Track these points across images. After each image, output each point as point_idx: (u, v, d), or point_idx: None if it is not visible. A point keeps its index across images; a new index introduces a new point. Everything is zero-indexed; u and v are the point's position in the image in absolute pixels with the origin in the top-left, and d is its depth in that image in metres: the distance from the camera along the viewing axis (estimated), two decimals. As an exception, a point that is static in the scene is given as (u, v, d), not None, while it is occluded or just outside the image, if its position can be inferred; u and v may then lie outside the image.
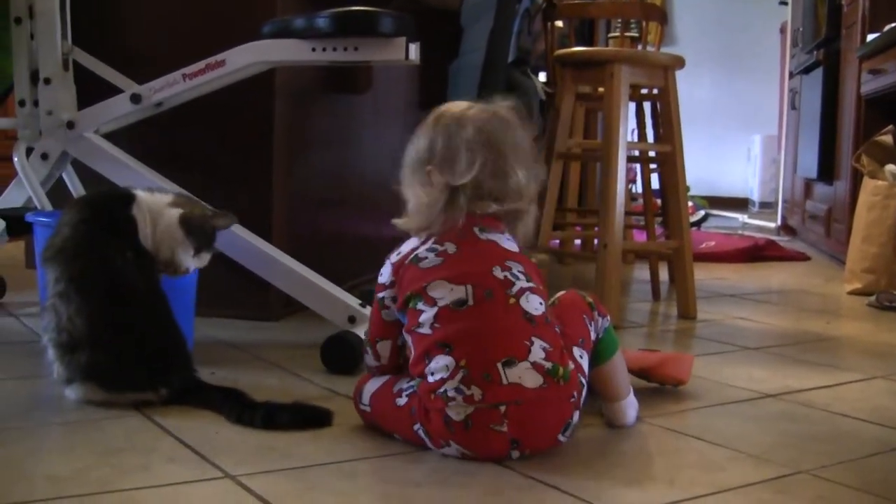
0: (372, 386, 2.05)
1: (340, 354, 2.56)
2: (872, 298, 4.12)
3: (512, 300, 1.89)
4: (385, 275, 2.03)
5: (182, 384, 2.19)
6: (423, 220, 2.00)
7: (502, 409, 1.81)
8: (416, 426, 1.90)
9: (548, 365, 1.84)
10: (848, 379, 2.72)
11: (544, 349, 1.86)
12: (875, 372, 2.81)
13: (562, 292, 2.10)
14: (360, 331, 2.62)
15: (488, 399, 1.81)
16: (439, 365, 1.85)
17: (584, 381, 1.93)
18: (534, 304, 1.90)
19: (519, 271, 1.93)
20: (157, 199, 2.35)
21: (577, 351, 1.95)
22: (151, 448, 1.89)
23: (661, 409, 2.31)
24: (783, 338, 3.37)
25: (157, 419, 2.07)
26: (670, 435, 2.12)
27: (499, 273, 1.91)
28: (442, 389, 1.84)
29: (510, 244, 1.99)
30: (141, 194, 2.35)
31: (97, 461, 1.80)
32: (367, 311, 2.78)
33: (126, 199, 2.34)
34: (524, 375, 1.82)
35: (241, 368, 2.59)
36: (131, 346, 2.15)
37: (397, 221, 2.05)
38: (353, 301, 2.83)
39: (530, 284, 1.93)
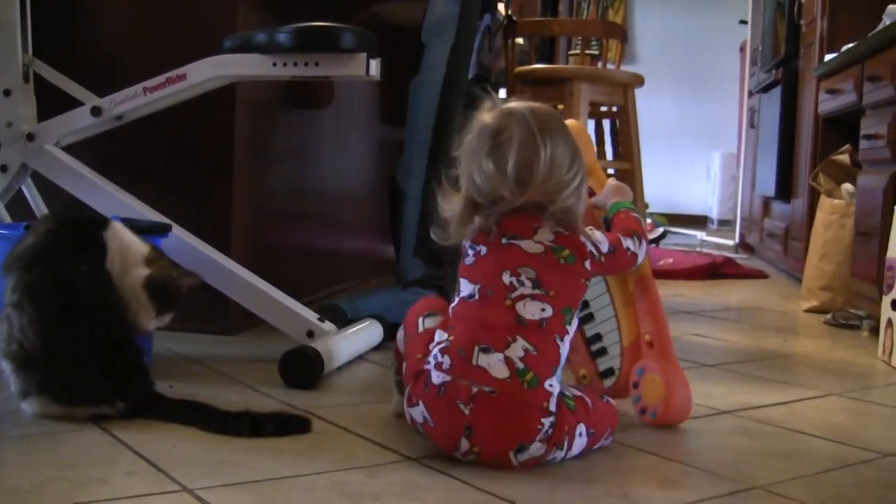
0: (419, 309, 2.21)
1: (298, 369, 2.56)
2: (829, 316, 4.15)
3: (508, 302, 1.99)
4: None
5: (140, 397, 2.18)
6: (449, 232, 2.12)
7: (474, 389, 1.91)
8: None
9: (519, 365, 1.92)
10: (803, 396, 2.74)
11: (525, 350, 1.94)
12: (830, 389, 2.84)
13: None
14: (319, 345, 2.63)
15: (455, 371, 1.94)
16: (442, 336, 2.02)
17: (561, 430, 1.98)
18: (530, 310, 1.99)
19: (528, 277, 2.01)
20: (133, 242, 2.35)
21: (578, 429, 2.01)
22: (110, 461, 1.89)
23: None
24: (740, 355, 3.39)
25: (115, 433, 2.06)
26: (626, 450, 2.13)
27: (506, 278, 2.01)
28: (432, 354, 2.00)
29: (534, 246, 2.04)
30: (118, 225, 2.35)
31: (56, 474, 1.79)
32: (326, 325, 2.80)
33: (102, 223, 2.33)
34: (494, 364, 1.92)
35: (200, 382, 2.58)
36: (85, 358, 2.13)
37: (435, 236, 2.16)
38: (312, 316, 2.84)
39: (535, 291, 2.00)
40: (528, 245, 2.04)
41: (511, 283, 2.01)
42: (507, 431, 1.91)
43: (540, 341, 1.97)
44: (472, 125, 2.09)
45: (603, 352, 2.47)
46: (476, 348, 1.94)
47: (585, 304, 2.49)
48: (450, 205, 2.11)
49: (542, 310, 1.99)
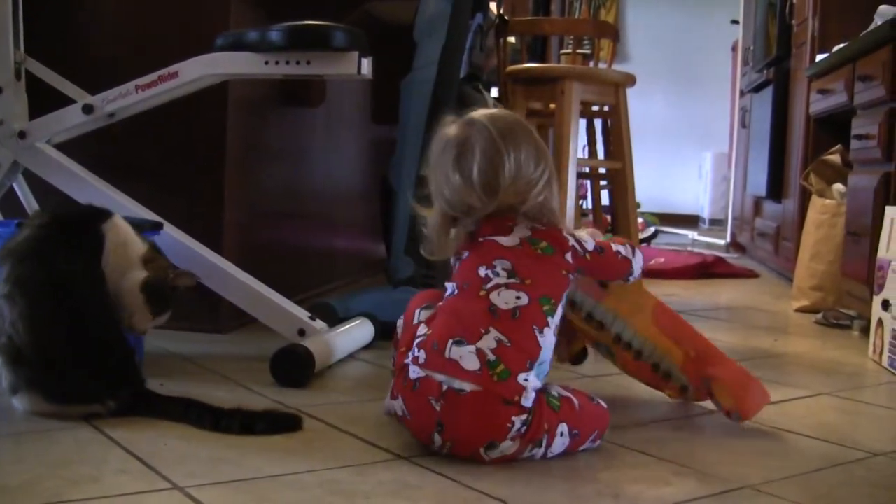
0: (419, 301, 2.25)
1: (289, 367, 2.56)
2: (820, 316, 4.16)
3: (482, 293, 2.02)
4: None
5: (131, 395, 2.18)
6: (431, 246, 2.19)
7: (444, 387, 1.93)
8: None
9: (490, 357, 1.94)
10: (794, 395, 2.75)
11: (498, 340, 1.96)
12: (821, 388, 2.84)
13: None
14: (310, 343, 2.63)
15: (429, 365, 1.98)
16: (422, 331, 2.06)
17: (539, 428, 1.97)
18: (504, 299, 2.01)
19: (503, 268, 2.04)
20: (131, 238, 2.35)
21: (560, 428, 2.00)
22: (101, 459, 1.89)
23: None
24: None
25: (107, 430, 2.06)
26: (617, 449, 2.13)
27: (482, 271, 2.05)
28: (411, 349, 2.04)
29: (511, 241, 2.07)
30: (119, 219, 2.34)
31: (47, 472, 1.79)
32: (317, 324, 2.80)
33: (101, 215, 2.33)
34: (465, 356, 1.95)
35: (191, 380, 2.58)
36: (76, 357, 2.12)
37: (425, 252, 2.22)
38: (303, 314, 2.84)
39: (509, 281, 2.03)
40: (504, 240, 2.08)
41: (486, 275, 2.04)
42: (475, 430, 1.93)
43: (514, 332, 1.98)
44: (436, 140, 2.13)
45: (669, 375, 2.51)
46: (450, 341, 1.97)
47: (629, 344, 2.51)
48: (429, 220, 2.16)
49: (518, 298, 2.01)
